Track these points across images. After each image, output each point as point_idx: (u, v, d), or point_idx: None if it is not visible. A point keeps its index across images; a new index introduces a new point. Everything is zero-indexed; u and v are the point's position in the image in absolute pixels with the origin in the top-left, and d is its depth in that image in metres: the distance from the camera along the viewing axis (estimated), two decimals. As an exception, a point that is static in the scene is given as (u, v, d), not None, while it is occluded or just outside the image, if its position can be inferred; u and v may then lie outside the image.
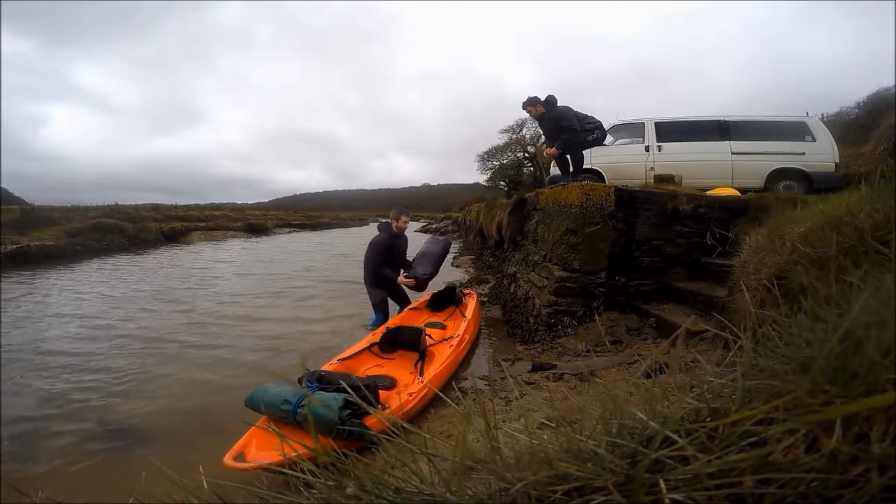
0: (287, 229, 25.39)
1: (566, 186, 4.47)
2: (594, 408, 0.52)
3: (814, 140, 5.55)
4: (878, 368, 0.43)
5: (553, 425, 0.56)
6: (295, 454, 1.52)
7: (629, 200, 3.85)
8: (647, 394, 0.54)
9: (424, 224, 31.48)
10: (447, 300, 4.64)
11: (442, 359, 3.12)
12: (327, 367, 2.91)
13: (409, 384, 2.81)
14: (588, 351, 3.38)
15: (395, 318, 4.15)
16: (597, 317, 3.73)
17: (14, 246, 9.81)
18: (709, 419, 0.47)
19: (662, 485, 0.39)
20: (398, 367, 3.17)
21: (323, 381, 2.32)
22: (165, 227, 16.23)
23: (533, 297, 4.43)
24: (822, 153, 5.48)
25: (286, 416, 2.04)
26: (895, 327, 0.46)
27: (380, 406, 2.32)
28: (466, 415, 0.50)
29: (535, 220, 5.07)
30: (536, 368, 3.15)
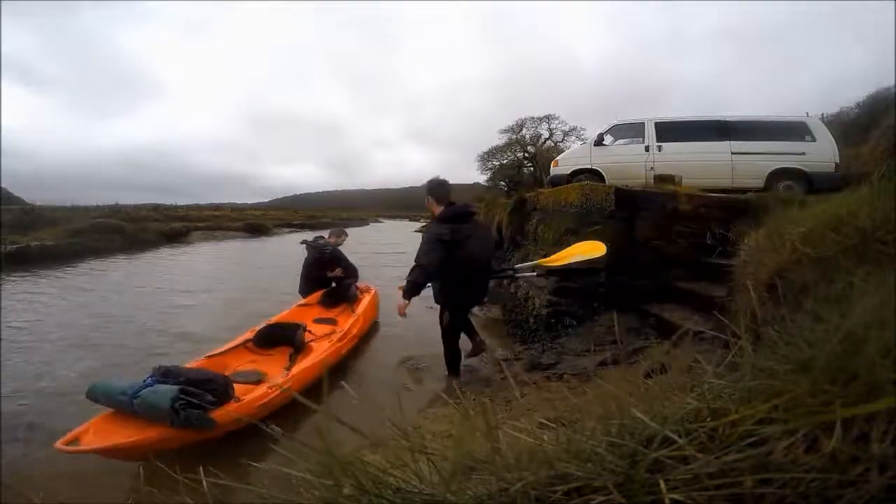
0: (287, 229, 25.39)
1: (566, 186, 4.47)
2: (594, 408, 0.52)
3: (814, 140, 5.55)
4: (878, 369, 0.43)
5: (553, 425, 0.56)
6: (132, 440, 1.73)
7: (629, 200, 3.85)
8: (647, 394, 0.54)
9: (424, 224, 31.44)
10: (341, 297, 4.52)
11: (317, 354, 3.12)
12: (193, 364, 2.78)
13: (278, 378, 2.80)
14: (588, 351, 3.38)
15: (283, 314, 4.03)
16: (597, 317, 3.73)
17: (14, 246, 9.81)
18: (709, 419, 0.47)
19: (662, 485, 0.39)
20: (273, 363, 3.11)
21: (168, 376, 2.30)
22: (165, 228, 16.23)
23: (533, 297, 4.44)
24: (822, 153, 5.48)
25: (124, 406, 2.11)
26: None
27: (233, 400, 2.34)
28: (465, 414, 0.50)
29: (535, 220, 5.07)
30: (536, 368, 3.16)
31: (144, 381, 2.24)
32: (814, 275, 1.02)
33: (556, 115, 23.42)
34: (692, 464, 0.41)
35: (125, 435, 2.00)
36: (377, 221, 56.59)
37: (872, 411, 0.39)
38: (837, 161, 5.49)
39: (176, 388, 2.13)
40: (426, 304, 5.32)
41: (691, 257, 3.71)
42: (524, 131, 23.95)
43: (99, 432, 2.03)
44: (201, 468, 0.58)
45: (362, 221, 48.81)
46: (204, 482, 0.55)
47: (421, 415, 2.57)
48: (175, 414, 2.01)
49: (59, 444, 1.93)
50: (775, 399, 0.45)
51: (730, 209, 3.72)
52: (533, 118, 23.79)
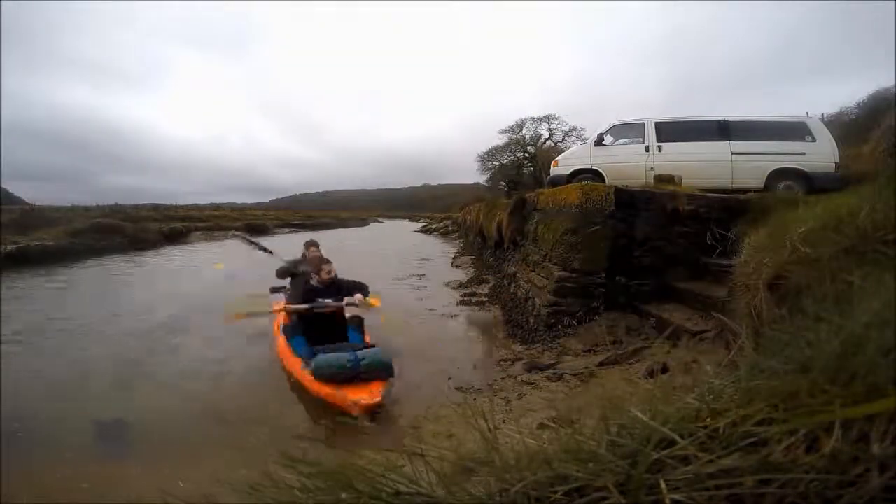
0: (287, 229, 25.37)
1: (566, 186, 4.47)
2: (594, 408, 0.52)
3: (814, 140, 5.55)
4: (878, 369, 0.43)
5: (553, 425, 0.56)
6: (377, 397, 2.70)
7: (629, 200, 3.84)
8: (647, 394, 0.54)
9: (424, 224, 31.50)
10: None
11: None
12: None
13: None
14: (588, 351, 3.38)
15: None
16: (597, 317, 3.73)
17: (14, 246, 9.80)
18: (709, 419, 0.47)
19: (663, 485, 0.39)
20: None
21: (358, 349, 3.04)
22: (165, 228, 16.22)
23: (533, 297, 4.43)
24: (822, 153, 5.48)
25: (350, 372, 2.80)
26: None
27: None
28: (464, 415, 0.49)
29: (535, 220, 5.06)
30: (536, 368, 3.16)
31: (353, 352, 2.96)
32: (814, 275, 1.02)
33: (556, 115, 23.43)
34: (693, 464, 0.41)
35: (374, 394, 2.72)
36: (377, 221, 56.60)
37: (872, 413, 0.39)
38: (837, 161, 5.49)
39: (379, 349, 3.05)
40: (444, 311, 5.34)
41: (691, 257, 3.71)
42: (524, 131, 23.95)
43: (355, 395, 2.70)
44: (193, 470, 0.58)
45: (362, 221, 48.76)
46: (197, 485, 0.55)
47: (421, 415, 2.57)
48: (391, 367, 2.92)
49: (359, 410, 2.59)
50: (775, 399, 0.45)
51: (730, 209, 3.72)
52: (533, 118, 23.80)
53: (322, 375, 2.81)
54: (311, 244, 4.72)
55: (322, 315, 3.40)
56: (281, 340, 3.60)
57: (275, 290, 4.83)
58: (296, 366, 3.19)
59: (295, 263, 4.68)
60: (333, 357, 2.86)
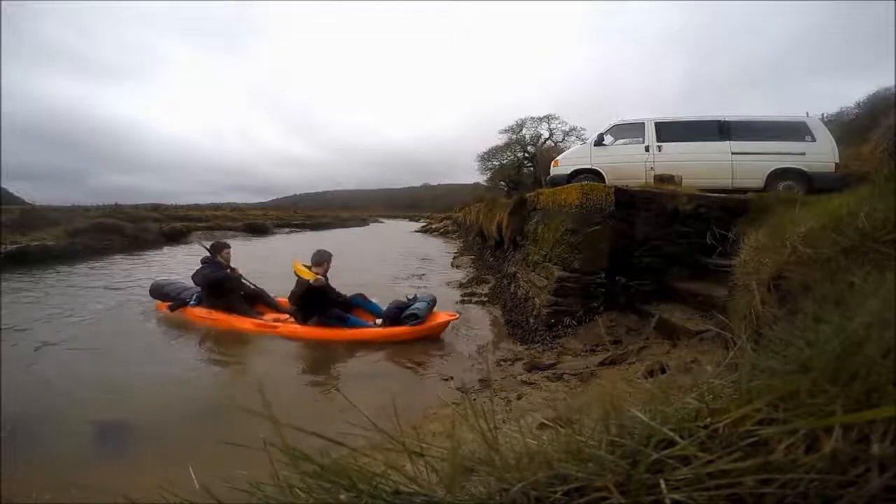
0: (287, 229, 25.33)
1: (566, 186, 4.48)
2: (594, 408, 0.52)
3: (814, 140, 5.55)
4: (878, 369, 0.43)
5: (553, 425, 0.56)
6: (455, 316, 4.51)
7: (629, 200, 3.85)
8: (647, 394, 0.54)
9: (424, 224, 31.52)
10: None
11: None
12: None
13: None
14: (588, 351, 3.38)
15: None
16: (597, 317, 3.73)
17: (14, 246, 9.80)
18: (709, 419, 0.47)
19: (663, 485, 0.39)
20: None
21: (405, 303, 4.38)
22: (166, 228, 16.21)
23: (533, 297, 4.44)
24: (822, 153, 5.48)
25: (431, 305, 4.31)
26: None
27: None
28: (464, 415, 0.50)
29: (535, 220, 5.07)
30: (536, 368, 3.16)
31: (417, 298, 4.38)
32: (814, 275, 1.02)
33: (556, 116, 23.49)
34: (693, 464, 0.41)
35: (447, 315, 4.27)
36: (377, 221, 56.66)
37: (872, 419, 0.39)
38: (837, 161, 5.50)
39: (427, 295, 4.52)
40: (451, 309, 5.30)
41: (691, 257, 3.71)
42: (524, 131, 23.99)
43: (442, 319, 4.17)
44: (191, 469, 0.58)
45: (362, 221, 48.76)
46: (196, 482, 0.55)
47: (420, 414, 2.57)
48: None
49: (445, 327, 4.19)
50: (775, 399, 0.45)
51: (730, 209, 3.72)
52: (533, 118, 23.84)
53: (422, 318, 4.04)
54: (223, 245, 5.18)
55: (333, 299, 4.63)
56: (308, 330, 4.28)
57: (175, 307, 4.93)
58: (373, 333, 4.19)
59: (215, 268, 4.88)
60: (421, 305, 4.16)
